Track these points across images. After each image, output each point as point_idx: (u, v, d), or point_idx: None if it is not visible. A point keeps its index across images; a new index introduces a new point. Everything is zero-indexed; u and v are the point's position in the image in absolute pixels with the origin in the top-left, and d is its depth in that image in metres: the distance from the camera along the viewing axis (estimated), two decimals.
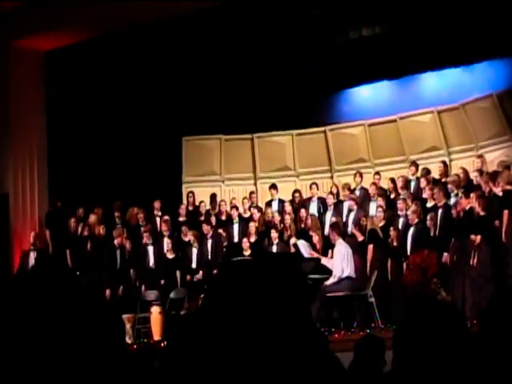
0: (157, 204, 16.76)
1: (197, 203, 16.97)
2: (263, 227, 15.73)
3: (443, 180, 14.74)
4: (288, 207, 15.88)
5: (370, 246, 14.15)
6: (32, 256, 16.19)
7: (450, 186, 13.99)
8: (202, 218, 16.35)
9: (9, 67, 17.61)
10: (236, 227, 16.08)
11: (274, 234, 15.06)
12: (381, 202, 14.80)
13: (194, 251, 15.54)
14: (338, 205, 15.65)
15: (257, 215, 16.02)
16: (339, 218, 15.15)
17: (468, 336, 2.64)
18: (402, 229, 14.00)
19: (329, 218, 15.41)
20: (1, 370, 2.18)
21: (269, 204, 16.57)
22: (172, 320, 13.98)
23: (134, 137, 18.21)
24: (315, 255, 14.18)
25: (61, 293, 2.28)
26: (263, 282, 2.21)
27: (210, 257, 15.39)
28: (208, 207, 16.88)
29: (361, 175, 16.21)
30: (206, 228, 15.60)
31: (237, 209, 16.34)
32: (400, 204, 14.31)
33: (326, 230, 15.02)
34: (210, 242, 15.52)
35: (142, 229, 15.88)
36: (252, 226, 15.53)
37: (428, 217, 13.61)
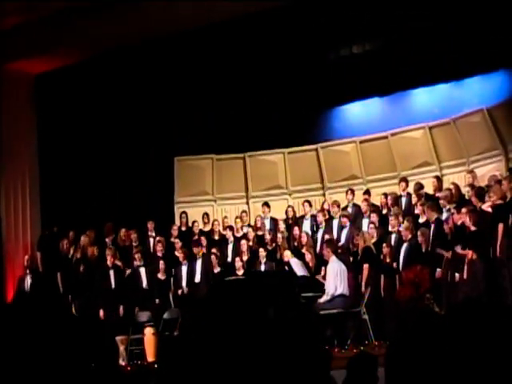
0: (150, 225, 16.71)
1: (189, 223, 16.92)
2: (256, 245, 15.68)
3: (437, 195, 14.72)
4: (282, 225, 15.85)
5: (366, 266, 14.06)
6: (27, 280, 16.18)
7: (441, 202, 13.98)
8: (196, 238, 16.30)
9: None
10: (230, 247, 16.02)
11: (262, 252, 15.04)
12: (373, 218, 14.78)
13: (184, 270, 15.47)
14: (329, 222, 15.62)
15: (251, 234, 15.97)
16: (331, 234, 15.11)
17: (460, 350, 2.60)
18: (395, 245, 13.98)
19: (320, 235, 15.38)
20: None
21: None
22: (165, 341, 13.89)
23: (125, 158, 18.18)
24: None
25: (51, 319, 2.25)
26: (255, 301, 2.18)
27: (199, 277, 15.31)
28: (201, 226, 16.84)
29: (352, 192, 16.17)
30: (196, 250, 15.54)
31: (231, 229, 16.28)
32: (392, 220, 14.30)
33: (318, 248, 14.98)
34: (199, 262, 15.45)
35: (134, 250, 15.82)
36: (244, 243, 15.48)
37: (419, 232, 13.57)
